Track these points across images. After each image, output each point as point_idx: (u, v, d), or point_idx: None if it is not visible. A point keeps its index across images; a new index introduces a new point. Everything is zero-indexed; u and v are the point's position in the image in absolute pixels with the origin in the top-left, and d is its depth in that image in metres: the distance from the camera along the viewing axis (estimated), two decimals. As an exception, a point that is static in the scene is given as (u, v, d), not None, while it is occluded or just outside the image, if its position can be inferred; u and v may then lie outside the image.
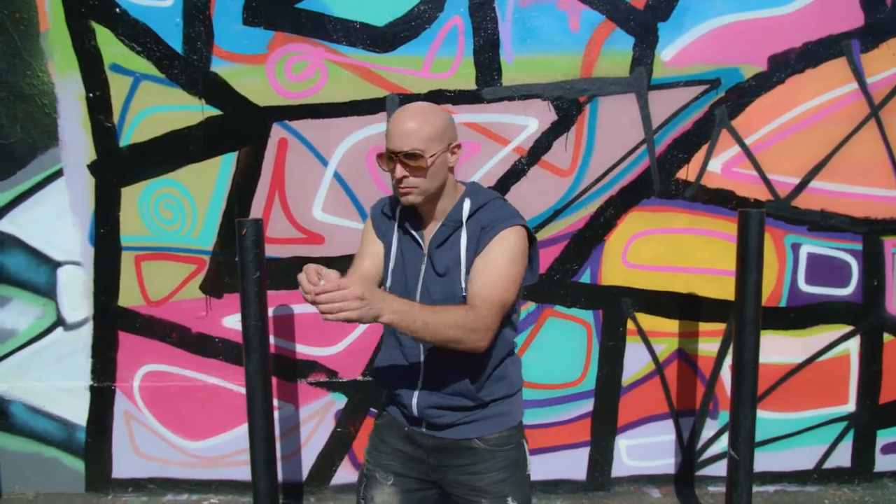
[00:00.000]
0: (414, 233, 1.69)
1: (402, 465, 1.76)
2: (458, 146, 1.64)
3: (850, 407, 3.11)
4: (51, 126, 2.85)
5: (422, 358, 1.69)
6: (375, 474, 1.78)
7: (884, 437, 3.14)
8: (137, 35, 2.79)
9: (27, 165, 2.88)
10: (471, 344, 1.51)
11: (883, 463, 3.16)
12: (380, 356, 1.79)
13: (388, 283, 1.72)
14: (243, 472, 2.91)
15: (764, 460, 3.06)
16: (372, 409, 3.04)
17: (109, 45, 2.79)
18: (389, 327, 1.62)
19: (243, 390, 2.59)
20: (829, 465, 3.14)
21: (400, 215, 1.72)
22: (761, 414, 2.96)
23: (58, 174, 2.89)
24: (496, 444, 1.71)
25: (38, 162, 2.88)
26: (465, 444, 1.69)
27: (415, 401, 1.69)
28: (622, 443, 3.10)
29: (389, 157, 1.58)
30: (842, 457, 3.14)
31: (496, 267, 1.57)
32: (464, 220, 1.62)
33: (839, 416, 3.11)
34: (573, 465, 3.09)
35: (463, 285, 1.59)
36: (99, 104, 2.84)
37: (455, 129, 1.64)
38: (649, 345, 3.03)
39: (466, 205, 1.64)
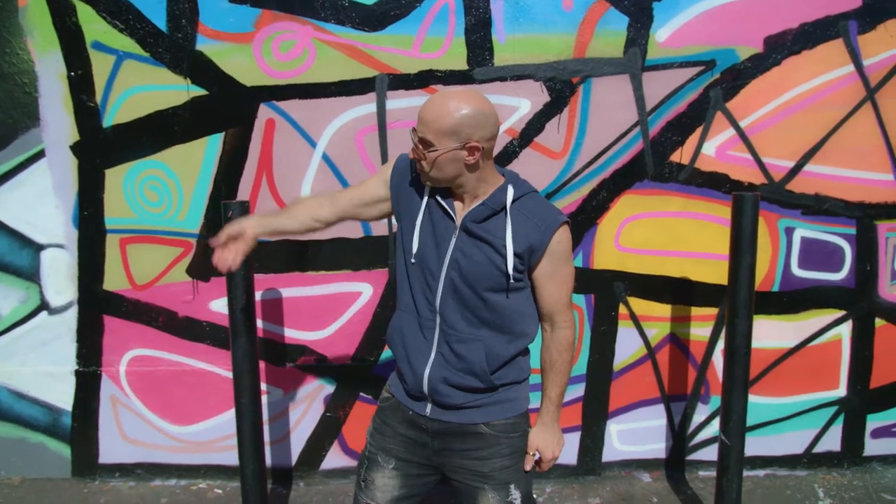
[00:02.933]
0: (445, 205, 1.69)
1: (404, 449, 1.77)
2: (477, 148, 1.59)
3: (841, 391, 3.11)
4: (31, 106, 2.79)
5: (437, 332, 1.70)
6: (377, 457, 1.79)
7: (874, 421, 3.14)
8: (120, 12, 2.71)
9: (7, 146, 2.81)
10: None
11: (872, 447, 3.16)
12: (394, 321, 1.79)
13: (416, 246, 1.70)
14: (232, 457, 2.89)
15: (755, 445, 3.06)
16: (362, 395, 3.02)
17: (91, 22, 2.72)
18: (404, 296, 1.75)
19: (231, 375, 2.56)
20: (819, 449, 3.15)
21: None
22: (752, 398, 2.95)
23: (39, 155, 2.83)
24: (503, 431, 1.72)
25: (19, 142, 2.81)
26: (471, 429, 1.70)
27: (427, 373, 1.69)
28: (613, 427, 3.09)
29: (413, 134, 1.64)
30: (832, 441, 3.15)
31: (563, 275, 1.70)
32: (508, 205, 1.65)
33: (830, 401, 3.11)
34: (564, 449, 3.04)
35: (509, 271, 1.63)
36: (81, 83, 2.77)
37: (482, 128, 1.59)
38: (641, 329, 3.01)
39: (510, 191, 1.67)
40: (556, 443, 1.78)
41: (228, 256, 1.70)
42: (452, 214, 1.68)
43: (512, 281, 1.64)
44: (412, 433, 1.75)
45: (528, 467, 1.75)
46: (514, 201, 1.66)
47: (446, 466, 1.75)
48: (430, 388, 1.69)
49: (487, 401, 1.70)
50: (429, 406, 1.72)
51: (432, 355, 1.70)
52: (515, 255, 1.63)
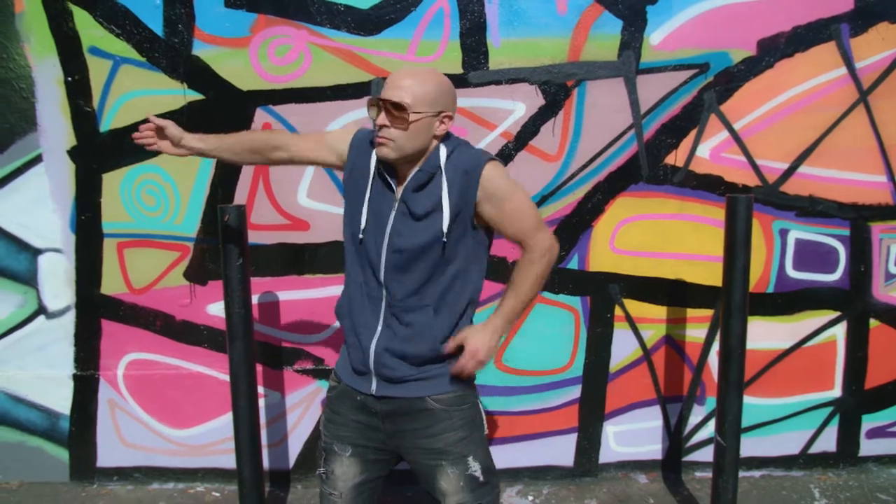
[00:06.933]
0: (388, 177, 1.69)
1: (359, 434, 1.75)
2: (450, 118, 1.65)
3: (836, 392, 3.12)
4: (28, 111, 2.80)
5: (383, 305, 1.69)
6: (333, 446, 1.78)
7: (869, 421, 3.15)
8: (116, 17, 2.73)
9: (5, 151, 2.83)
10: (554, 262, 1.72)
11: (868, 447, 3.17)
12: (342, 297, 1.79)
13: (364, 222, 1.70)
14: (230, 460, 2.89)
15: (750, 446, 3.07)
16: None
17: (88, 27, 2.74)
18: (352, 271, 1.74)
19: (228, 378, 2.57)
20: (814, 450, 3.16)
21: (378, 160, 1.72)
22: (748, 400, 2.97)
23: (37, 160, 2.84)
24: (452, 404, 1.70)
25: (16, 147, 2.82)
26: (419, 405, 1.69)
27: (373, 345, 1.68)
28: (610, 429, 3.10)
29: (377, 104, 1.61)
30: (827, 442, 3.16)
31: (510, 209, 1.66)
32: (441, 164, 1.65)
33: (825, 402, 3.12)
34: (561, 451, 3.09)
35: (444, 228, 1.62)
36: (78, 88, 2.78)
37: (453, 101, 1.66)
38: (637, 331, 3.03)
39: (442, 151, 1.67)
40: (487, 343, 1.66)
41: (143, 137, 1.89)
42: (393, 186, 1.68)
43: (446, 240, 1.62)
44: (363, 417, 1.74)
45: (446, 349, 1.67)
46: (447, 158, 1.65)
47: (401, 448, 1.74)
48: (376, 360, 1.68)
49: (432, 373, 1.69)
50: (374, 382, 1.70)
51: (379, 328, 1.69)
52: (454, 212, 1.62)
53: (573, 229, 2.91)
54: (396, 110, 1.57)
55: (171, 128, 1.84)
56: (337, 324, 2.93)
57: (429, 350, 1.67)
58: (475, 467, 1.70)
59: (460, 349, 1.70)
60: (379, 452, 1.77)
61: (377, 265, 1.68)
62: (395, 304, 1.67)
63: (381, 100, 1.59)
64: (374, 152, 1.69)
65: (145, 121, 1.90)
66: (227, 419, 2.99)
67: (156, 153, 2.78)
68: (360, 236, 1.70)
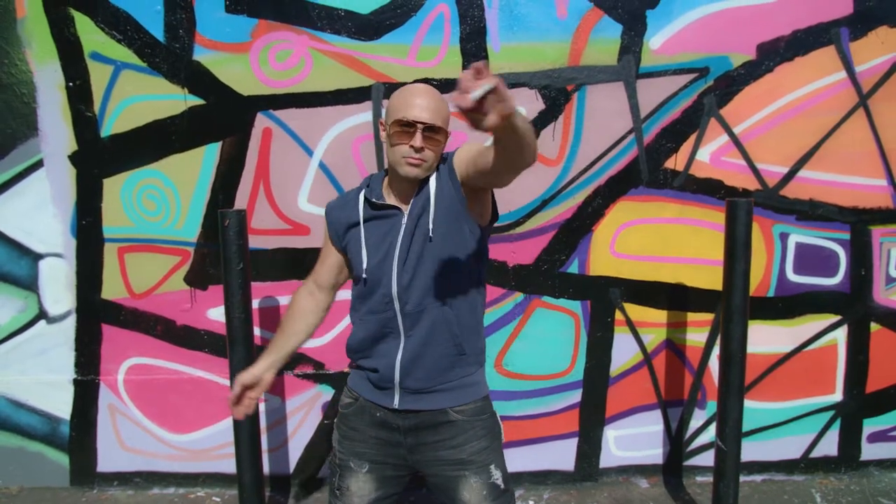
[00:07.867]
0: (387, 203, 1.70)
1: (377, 451, 1.75)
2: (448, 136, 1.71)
3: (838, 396, 3.11)
4: (30, 116, 2.81)
5: (399, 318, 1.68)
6: (349, 463, 1.77)
7: (870, 425, 3.15)
8: (118, 23, 2.74)
9: (6, 156, 2.83)
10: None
11: (869, 451, 3.17)
12: (355, 332, 1.77)
13: (365, 263, 1.69)
14: (230, 465, 2.89)
15: (751, 450, 3.07)
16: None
17: (89, 32, 2.75)
18: (364, 301, 1.72)
19: (229, 383, 2.57)
20: (816, 454, 3.15)
21: (366, 197, 1.73)
22: (749, 404, 2.97)
23: (38, 165, 2.84)
24: (473, 414, 1.71)
25: (18, 152, 2.83)
26: (442, 418, 1.69)
27: (399, 357, 1.67)
28: (610, 433, 3.10)
29: (408, 125, 1.60)
30: (829, 446, 3.15)
31: (477, 145, 1.61)
32: (436, 173, 1.69)
33: (826, 406, 3.12)
34: (561, 455, 3.09)
35: (440, 226, 1.63)
36: (79, 93, 2.79)
37: None
38: (637, 335, 3.02)
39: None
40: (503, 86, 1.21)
41: (247, 410, 1.73)
42: (398, 207, 1.69)
43: (443, 236, 1.64)
44: (384, 434, 1.73)
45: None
46: (439, 167, 1.70)
47: (422, 463, 1.73)
48: (402, 371, 1.67)
49: (453, 385, 1.70)
50: (396, 396, 1.69)
51: (402, 342, 1.69)
52: (449, 205, 1.64)
53: (573, 233, 2.91)
54: (434, 133, 1.61)
55: (247, 377, 1.74)
56: (338, 326, 2.94)
57: (454, 348, 1.68)
58: (497, 475, 1.71)
59: (471, 358, 1.73)
60: (397, 469, 1.76)
61: (389, 282, 1.67)
62: (411, 313, 1.67)
63: (419, 122, 1.59)
64: (359, 198, 1.73)
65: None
66: (227, 424, 2.99)
67: (156, 158, 2.84)
68: (364, 275, 1.69)
